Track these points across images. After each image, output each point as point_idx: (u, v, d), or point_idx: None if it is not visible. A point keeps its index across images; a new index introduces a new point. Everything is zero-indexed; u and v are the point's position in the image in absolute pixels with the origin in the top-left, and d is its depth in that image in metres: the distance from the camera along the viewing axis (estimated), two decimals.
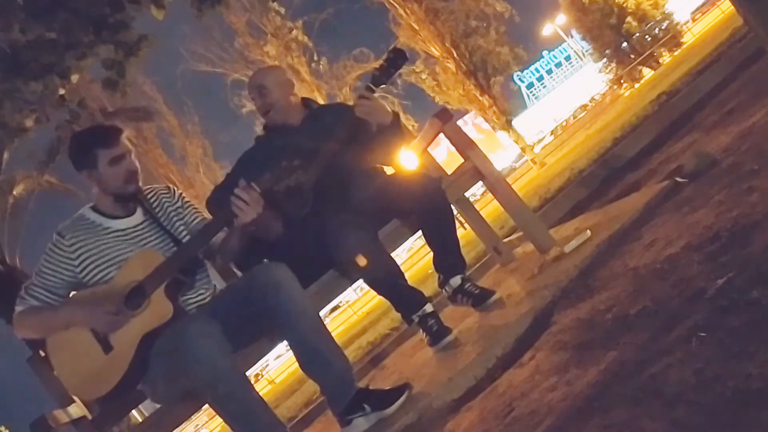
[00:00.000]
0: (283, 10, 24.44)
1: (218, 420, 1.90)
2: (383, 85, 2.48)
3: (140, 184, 2.17)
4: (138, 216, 2.18)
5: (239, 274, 2.40)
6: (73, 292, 2.11)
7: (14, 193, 12.31)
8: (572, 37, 42.15)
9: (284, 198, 2.36)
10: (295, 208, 2.37)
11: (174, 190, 2.34)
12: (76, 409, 2.14)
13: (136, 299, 1.97)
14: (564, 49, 48.56)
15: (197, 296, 2.14)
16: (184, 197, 2.33)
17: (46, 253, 2.09)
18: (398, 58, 2.48)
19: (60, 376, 2.03)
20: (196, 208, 2.32)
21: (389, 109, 2.48)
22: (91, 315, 1.96)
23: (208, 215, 2.33)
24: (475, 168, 2.54)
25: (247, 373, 2.13)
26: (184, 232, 2.23)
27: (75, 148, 2.17)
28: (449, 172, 2.74)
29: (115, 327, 1.96)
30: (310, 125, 2.57)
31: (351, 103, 2.58)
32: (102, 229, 2.12)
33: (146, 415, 2.51)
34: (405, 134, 2.56)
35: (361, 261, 2.21)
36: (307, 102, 2.72)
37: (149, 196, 2.25)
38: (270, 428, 1.82)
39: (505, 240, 3.30)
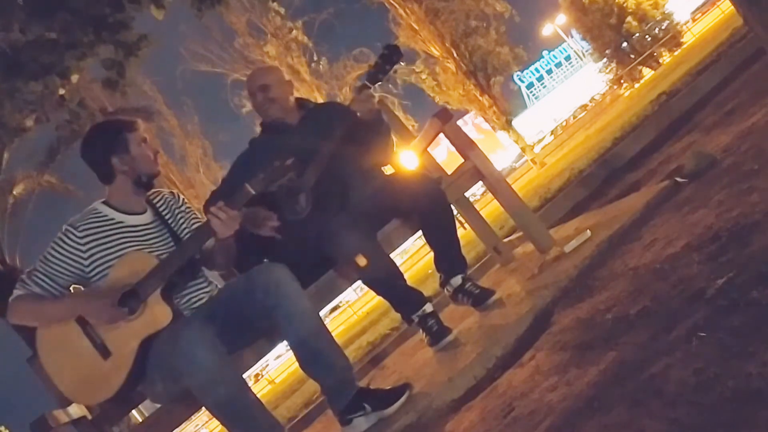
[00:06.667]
0: (283, 10, 24.46)
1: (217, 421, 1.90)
2: (379, 83, 2.46)
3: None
4: (148, 215, 2.19)
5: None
6: (73, 286, 2.10)
7: (14, 193, 12.30)
8: (572, 37, 42.22)
9: (282, 200, 2.36)
10: (293, 211, 2.37)
11: (178, 195, 2.37)
12: (76, 409, 2.14)
13: (130, 303, 1.94)
14: (564, 49, 48.62)
15: (196, 297, 2.14)
16: (186, 203, 2.35)
17: (55, 242, 2.07)
18: (393, 54, 2.45)
19: (56, 381, 2.00)
20: (197, 216, 2.32)
21: (376, 108, 2.48)
22: (95, 306, 1.95)
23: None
24: (475, 168, 2.54)
25: (247, 374, 2.13)
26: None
27: (103, 135, 2.18)
28: (449, 172, 2.74)
29: (118, 319, 1.94)
30: (307, 125, 2.57)
31: (347, 102, 2.58)
32: (114, 223, 2.11)
33: (146, 415, 2.51)
34: (387, 133, 2.56)
35: (361, 261, 2.21)
36: (302, 102, 2.73)
37: (157, 197, 2.27)
38: (268, 430, 1.81)
39: (505, 240, 3.30)
